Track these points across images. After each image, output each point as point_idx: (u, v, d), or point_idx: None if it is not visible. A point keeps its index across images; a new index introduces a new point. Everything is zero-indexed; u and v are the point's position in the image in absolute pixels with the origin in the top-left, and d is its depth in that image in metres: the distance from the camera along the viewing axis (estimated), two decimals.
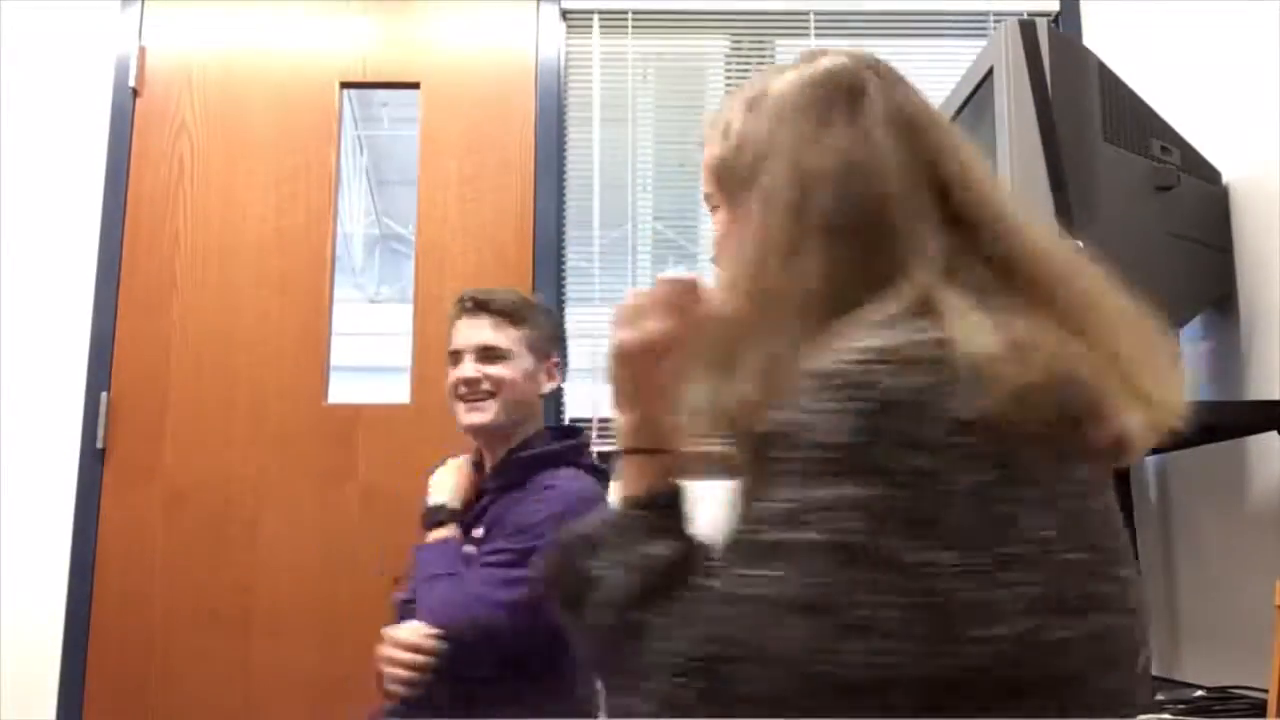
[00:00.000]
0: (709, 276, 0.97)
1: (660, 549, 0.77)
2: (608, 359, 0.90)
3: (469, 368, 1.80)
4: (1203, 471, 2.03)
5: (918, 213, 0.79)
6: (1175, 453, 2.09)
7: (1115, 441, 0.75)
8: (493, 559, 1.68)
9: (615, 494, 0.87)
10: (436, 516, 1.79)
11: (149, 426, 2.54)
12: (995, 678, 0.66)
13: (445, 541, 1.76)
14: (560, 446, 1.83)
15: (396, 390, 2.66)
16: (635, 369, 0.88)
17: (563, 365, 1.93)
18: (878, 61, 0.90)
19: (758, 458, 0.71)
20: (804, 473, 0.68)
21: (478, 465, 1.88)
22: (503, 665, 1.63)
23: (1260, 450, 1.85)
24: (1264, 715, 1.48)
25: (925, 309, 0.73)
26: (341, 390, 2.64)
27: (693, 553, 0.77)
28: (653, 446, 0.85)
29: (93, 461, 2.51)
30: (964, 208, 0.81)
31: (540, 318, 1.89)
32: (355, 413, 2.59)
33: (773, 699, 0.67)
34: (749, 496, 0.72)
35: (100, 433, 2.51)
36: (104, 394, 2.53)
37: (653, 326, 0.88)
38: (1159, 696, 1.67)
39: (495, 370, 1.80)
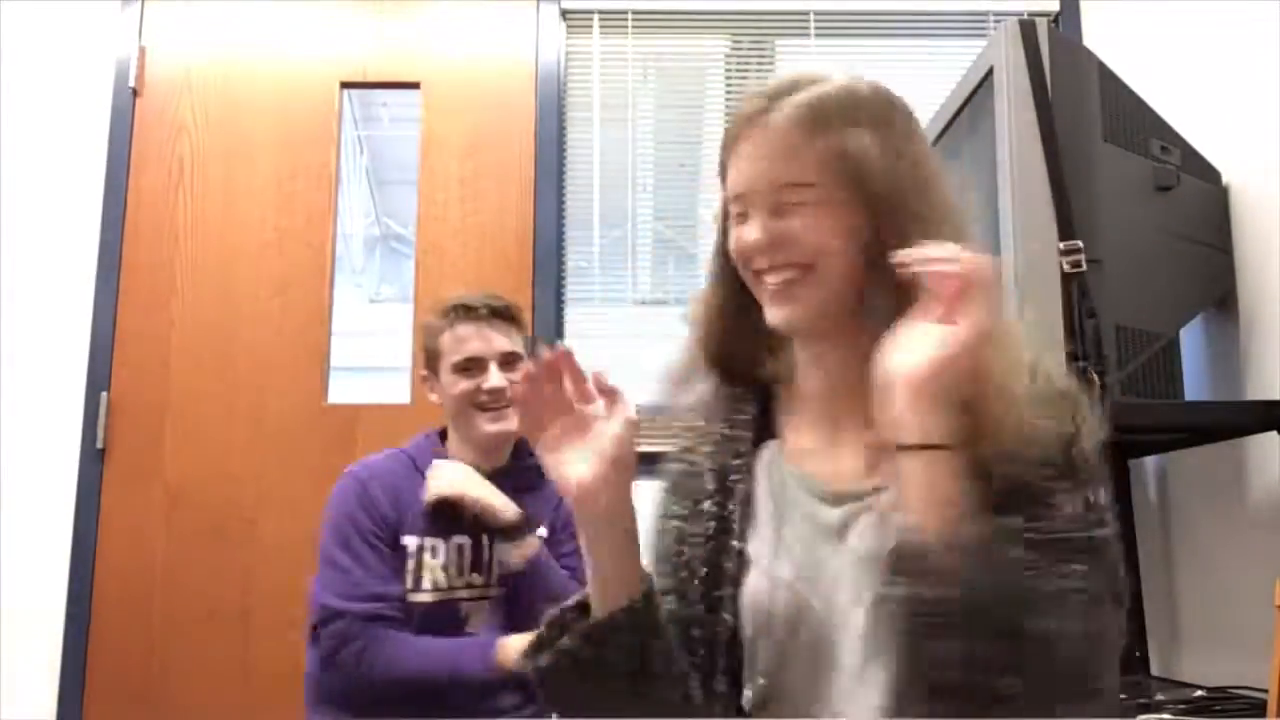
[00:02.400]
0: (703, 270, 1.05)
1: (1018, 552, 0.79)
2: (951, 347, 0.81)
3: (496, 377, 1.78)
4: (1203, 471, 2.03)
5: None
6: (1175, 453, 2.09)
7: None
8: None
9: (917, 490, 0.80)
10: (518, 529, 1.74)
11: (149, 426, 2.54)
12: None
13: (538, 554, 1.75)
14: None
15: (396, 390, 2.66)
16: (973, 361, 0.82)
17: None
18: None
19: (1053, 462, 0.84)
20: (1086, 479, 0.85)
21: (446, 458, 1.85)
22: None
23: (1260, 450, 1.85)
24: (1264, 715, 1.48)
25: None
26: (341, 390, 2.64)
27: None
28: (947, 445, 0.81)
29: (93, 461, 2.51)
30: None
31: (525, 322, 1.91)
32: (355, 413, 2.59)
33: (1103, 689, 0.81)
34: (1021, 494, 0.82)
35: (100, 433, 2.51)
36: (104, 394, 2.53)
37: (984, 317, 0.82)
38: (1159, 696, 1.67)
39: (516, 377, 1.79)
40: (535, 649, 0.92)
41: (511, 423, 1.78)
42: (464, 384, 1.79)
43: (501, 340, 1.81)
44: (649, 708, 0.89)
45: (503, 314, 1.82)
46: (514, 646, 1.62)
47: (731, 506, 0.98)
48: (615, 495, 0.89)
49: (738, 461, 1.00)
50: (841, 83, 0.96)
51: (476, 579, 1.77)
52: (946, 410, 0.80)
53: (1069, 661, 0.77)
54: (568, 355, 0.91)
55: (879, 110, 0.95)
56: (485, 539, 1.78)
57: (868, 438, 0.90)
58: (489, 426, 1.79)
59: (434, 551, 1.76)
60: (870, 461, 0.92)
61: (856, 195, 0.92)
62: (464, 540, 1.77)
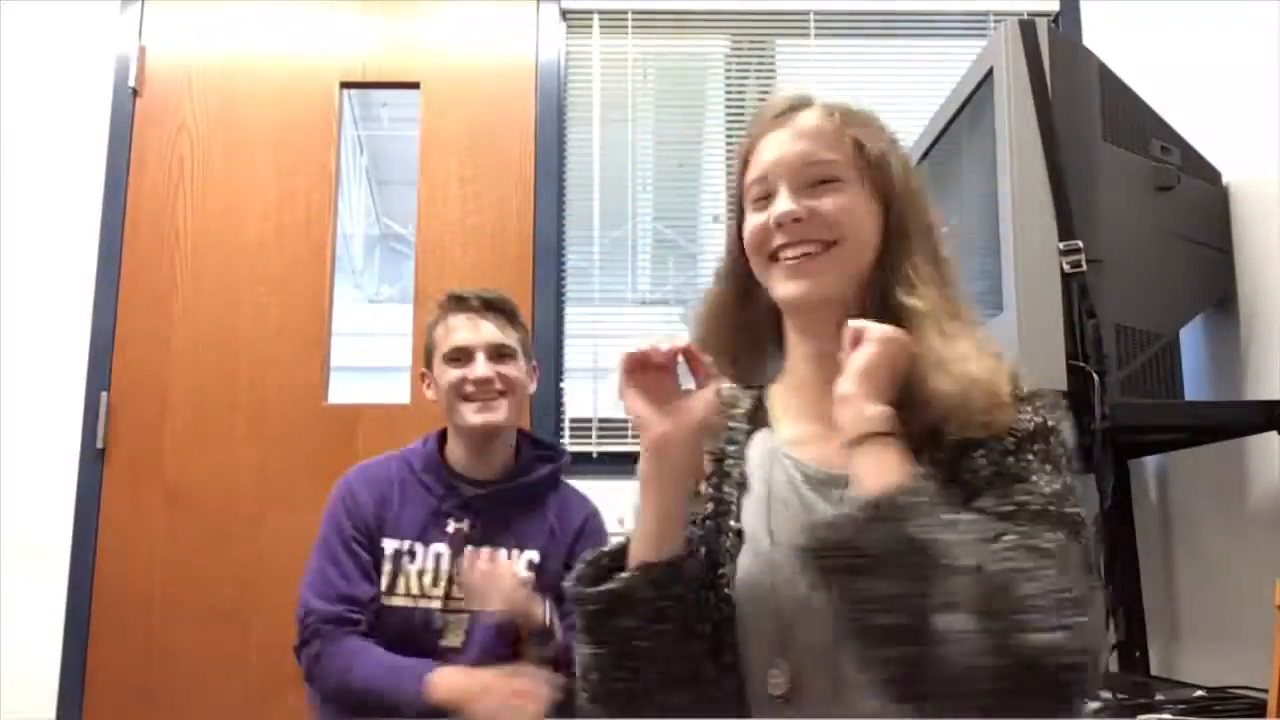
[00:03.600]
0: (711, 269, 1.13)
1: (968, 515, 0.87)
2: (872, 351, 0.93)
3: (482, 366, 1.76)
4: (1203, 471, 2.03)
5: None
6: (1175, 453, 2.09)
7: None
8: None
9: (864, 473, 0.90)
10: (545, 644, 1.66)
11: (149, 426, 2.54)
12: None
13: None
14: (551, 469, 1.84)
15: (396, 390, 2.66)
16: (893, 357, 0.94)
17: (539, 368, 1.94)
18: None
19: (1022, 447, 0.92)
20: (1063, 465, 0.92)
21: (441, 462, 1.82)
22: None
23: (1260, 450, 1.85)
24: (1264, 715, 1.48)
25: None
26: (341, 390, 2.64)
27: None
28: (892, 432, 0.91)
29: (93, 461, 2.51)
30: None
31: (524, 320, 1.89)
32: (355, 413, 2.59)
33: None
34: (1001, 479, 0.90)
35: (100, 433, 2.51)
36: (104, 394, 2.53)
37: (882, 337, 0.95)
38: (1159, 696, 1.67)
39: (506, 369, 1.78)
40: (590, 580, 0.96)
41: (499, 414, 1.76)
42: (452, 374, 1.77)
43: (491, 331, 1.78)
44: (691, 662, 0.95)
45: (495, 306, 1.81)
46: (446, 679, 1.60)
47: (728, 489, 1.03)
48: (687, 451, 0.96)
49: (733, 448, 1.06)
50: (848, 101, 1.07)
51: (456, 591, 1.72)
52: (881, 401, 0.91)
53: (1039, 607, 0.80)
54: (690, 350, 0.98)
55: (884, 127, 1.06)
56: (470, 551, 1.73)
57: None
58: (474, 417, 1.76)
59: (412, 556, 1.74)
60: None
61: (876, 189, 1.01)
62: (443, 550, 1.74)
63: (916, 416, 0.92)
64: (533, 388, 1.88)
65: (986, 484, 0.91)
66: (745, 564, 0.98)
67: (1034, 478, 0.90)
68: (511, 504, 1.78)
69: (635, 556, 0.96)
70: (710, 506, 1.02)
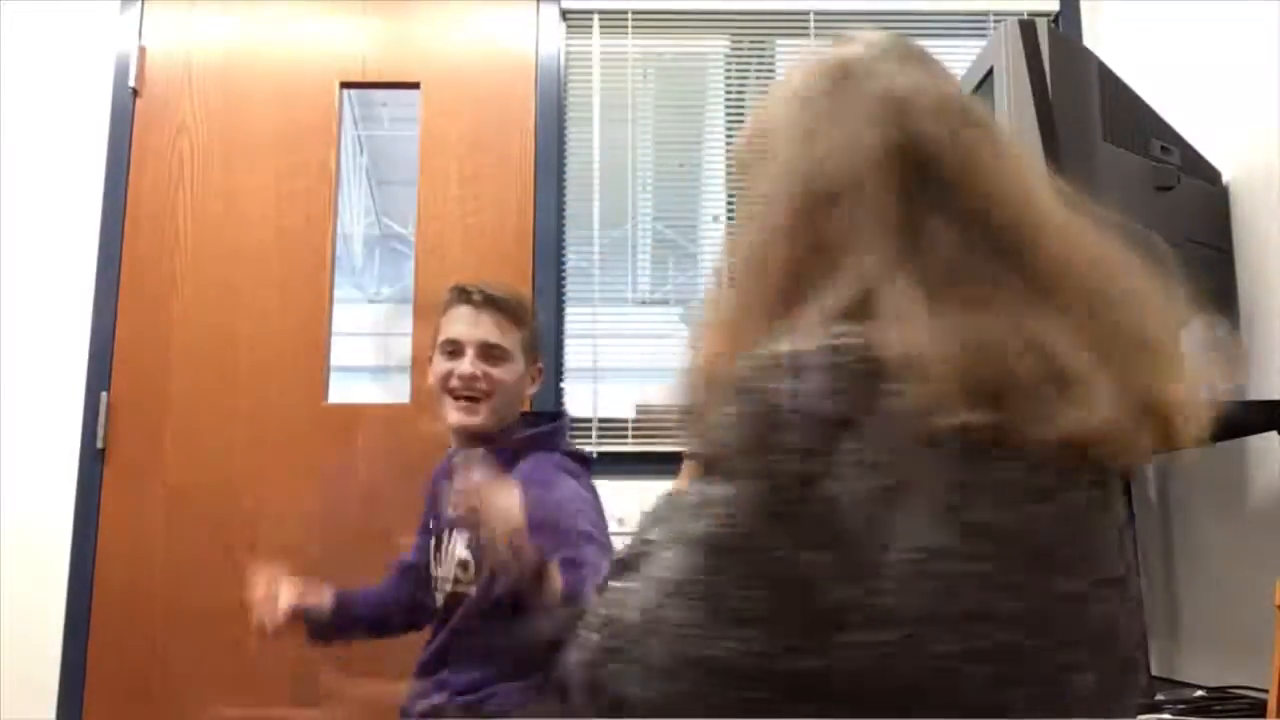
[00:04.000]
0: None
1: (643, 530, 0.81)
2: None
3: (469, 364, 1.74)
4: (1203, 471, 2.03)
5: (875, 200, 0.77)
6: (1175, 453, 2.09)
7: (1072, 439, 0.70)
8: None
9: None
10: None
11: (149, 426, 2.54)
12: (873, 683, 0.66)
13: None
14: (532, 432, 1.78)
15: (396, 390, 2.66)
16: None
17: (544, 368, 1.92)
18: (898, 45, 0.89)
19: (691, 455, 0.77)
20: (706, 470, 0.73)
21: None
22: None
23: (1260, 450, 1.85)
24: (1264, 715, 1.48)
25: (860, 308, 0.73)
26: (341, 390, 2.64)
27: None
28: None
29: (93, 461, 2.51)
30: (957, 195, 0.78)
31: (532, 319, 1.86)
32: (355, 413, 2.59)
33: (658, 670, 0.71)
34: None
35: (100, 433, 2.51)
36: (104, 394, 2.53)
37: None
38: (1159, 696, 1.67)
39: (495, 371, 1.75)
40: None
41: (477, 417, 1.74)
42: (442, 366, 1.77)
43: (487, 329, 1.76)
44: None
45: (496, 303, 1.78)
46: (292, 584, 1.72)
47: None
48: None
49: None
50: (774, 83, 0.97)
51: (435, 572, 1.78)
52: None
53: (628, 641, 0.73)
54: None
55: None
56: (447, 532, 1.76)
57: None
58: (453, 415, 1.75)
59: (438, 539, 1.80)
60: None
61: None
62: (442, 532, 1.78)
63: None
64: (533, 388, 1.86)
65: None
66: None
67: (673, 485, 0.85)
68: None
69: None
70: None
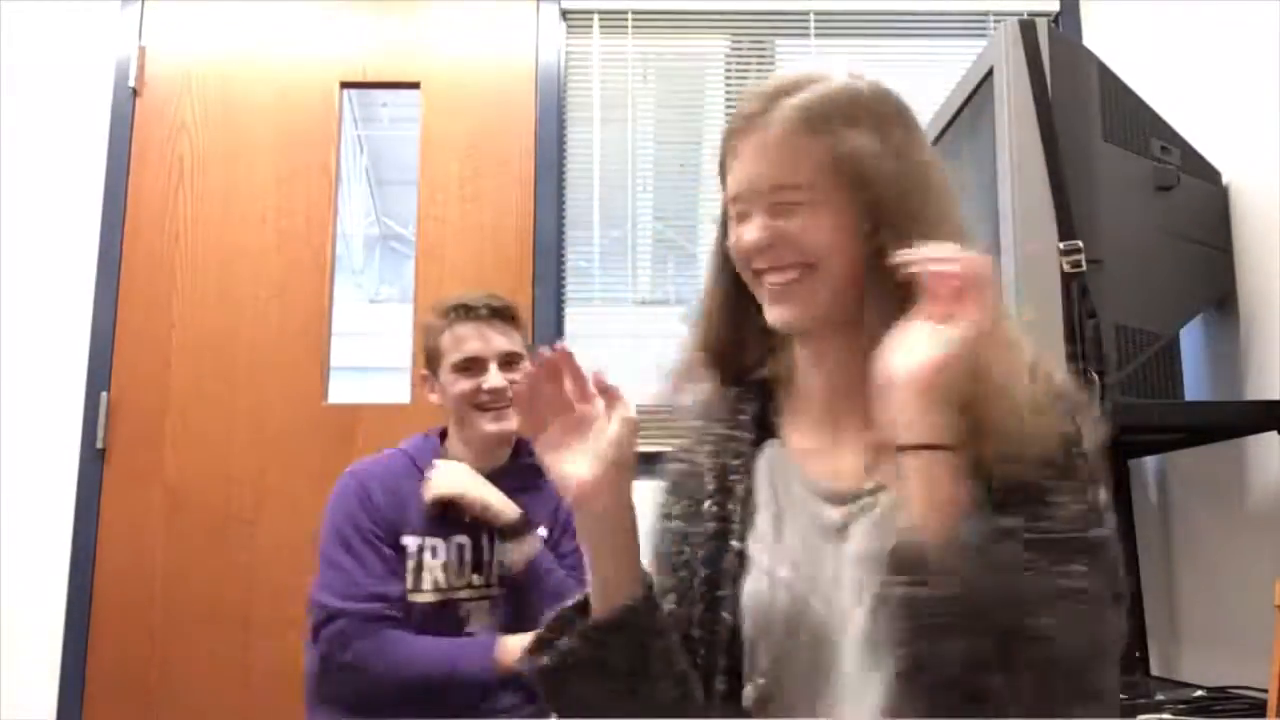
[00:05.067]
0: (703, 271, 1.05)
1: (1017, 551, 0.79)
2: (950, 347, 0.80)
3: (496, 376, 1.78)
4: (1203, 471, 2.03)
5: None
6: (1175, 453, 2.09)
7: None
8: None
9: (918, 490, 0.80)
10: (518, 528, 1.74)
11: (149, 426, 2.54)
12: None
13: (539, 554, 1.75)
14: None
15: (396, 390, 2.66)
16: (974, 358, 0.82)
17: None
18: None
19: (1053, 462, 0.84)
20: (1087, 479, 0.85)
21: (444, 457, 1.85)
22: None
23: (1260, 450, 1.85)
24: (1264, 715, 1.48)
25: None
26: (341, 390, 2.64)
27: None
28: (950, 445, 0.81)
29: (93, 461, 2.51)
30: None
31: (523, 320, 1.91)
32: (355, 413, 2.59)
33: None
34: (1019, 494, 0.81)
35: (100, 433, 2.51)
36: (104, 394, 2.53)
37: (983, 316, 0.82)
38: (1159, 696, 1.67)
39: (517, 376, 1.78)
40: (536, 648, 0.92)
41: (512, 422, 1.78)
42: (464, 384, 1.78)
43: (501, 340, 1.80)
44: (649, 708, 0.89)
45: (502, 314, 1.82)
46: (514, 645, 1.63)
47: (731, 506, 0.97)
48: (614, 496, 0.88)
49: (737, 461, 1.00)
50: (840, 82, 0.95)
51: (476, 579, 1.76)
52: (947, 410, 0.80)
53: (1068, 660, 0.77)
54: (568, 355, 0.90)
55: (878, 109, 0.95)
56: (485, 539, 1.77)
57: (868, 437, 0.89)
58: (489, 426, 1.78)
59: (434, 551, 1.76)
60: (871, 461, 0.91)
61: (855, 195, 0.91)
62: (464, 540, 1.77)
63: (971, 440, 0.82)
64: None
65: (1000, 503, 0.80)
66: (755, 585, 0.94)
67: (1053, 497, 0.82)
68: (515, 487, 1.78)
69: (592, 610, 0.91)
70: (712, 526, 0.97)
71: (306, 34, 2.75)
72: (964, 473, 0.79)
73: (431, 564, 1.75)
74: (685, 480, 1.02)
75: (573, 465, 0.88)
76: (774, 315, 0.96)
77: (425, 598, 1.73)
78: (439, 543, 1.76)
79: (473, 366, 1.79)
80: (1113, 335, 1.71)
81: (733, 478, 0.99)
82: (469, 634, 1.75)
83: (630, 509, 0.91)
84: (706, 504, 0.98)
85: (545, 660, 0.90)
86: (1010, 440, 0.82)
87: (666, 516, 1.02)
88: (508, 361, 1.80)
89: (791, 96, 0.93)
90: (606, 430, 0.88)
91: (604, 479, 0.87)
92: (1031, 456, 0.83)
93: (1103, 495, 0.86)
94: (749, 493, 0.98)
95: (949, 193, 0.95)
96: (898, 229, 0.89)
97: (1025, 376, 0.85)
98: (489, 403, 1.78)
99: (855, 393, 0.91)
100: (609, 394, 0.90)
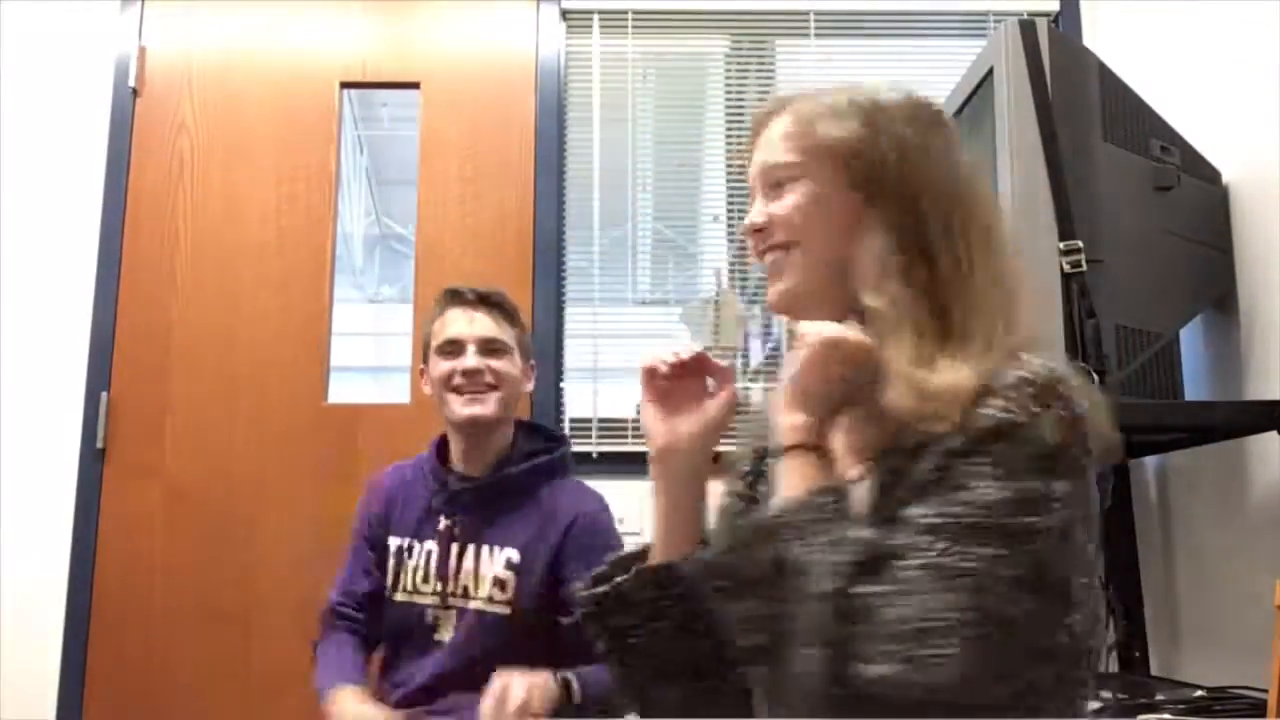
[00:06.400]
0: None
1: (864, 532, 0.84)
2: (801, 357, 0.91)
3: (472, 358, 1.76)
4: (1203, 471, 2.03)
5: None
6: (1175, 453, 2.09)
7: None
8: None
9: (786, 484, 0.90)
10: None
11: (149, 426, 2.54)
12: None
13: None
14: (550, 458, 1.80)
15: (396, 390, 2.66)
16: (830, 367, 0.92)
17: (537, 370, 1.94)
18: None
19: (966, 451, 0.83)
20: (1024, 468, 0.82)
21: (440, 459, 1.83)
22: None
23: (1260, 450, 1.85)
24: (1264, 715, 1.48)
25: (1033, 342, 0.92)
26: (341, 390, 2.64)
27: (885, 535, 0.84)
28: (818, 445, 0.91)
29: (93, 461, 2.51)
30: None
31: (523, 320, 1.88)
32: (355, 413, 2.59)
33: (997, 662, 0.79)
34: (942, 484, 0.83)
35: (100, 433, 2.51)
36: (104, 394, 2.53)
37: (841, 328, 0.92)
38: (1159, 696, 1.67)
39: (498, 364, 1.77)
40: (595, 581, 1.00)
41: (487, 407, 1.75)
42: (443, 365, 1.78)
43: (485, 325, 1.79)
44: (690, 657, 0.97)
45: (489, 301, 1.81)
46: (345, 697, 1.66)
47: (762, 488, 1.04)
48: (700, 453, 1.00)
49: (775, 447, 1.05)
50: (849, 87, 1.01)
51: (439, 587, 1.73)
52: (812, 410, 0.91)
53: (972, 640, 0.77)
54: (705, 357, 1.02)
55: (894, 110, 0.99)
56: (455, 548, 1.74)
57: (849, 435, 0.95)
58: (462, 409, 1.75)
59: (410, 553, 1.77)
60: (851, 453, 0.95)
61: (846, 181, 0.96)
62: (433, 547, 1.75)
63: (879, 424, 0.90)
64: (529, 386, 1.88)
65: (921, 491, 0.83)
66: None
67: (975, 484, 0.81)
68: (497, 498, 1.76)
69: (652, 557, 1.00)
70: (740, 506, 1.05)
71: (306, 34, 2.75)
72: (823, 466, 0.90)
73: (407, 565, 1.76)
74: (734, 462, 1.11)
75: (662, 426, 1.00)
76: (767, 296, 1.03)
77: (400, 598, 1.76)
78: (415, 544, 1.77)
79: (454, 349, 1.78)
80: (1112, 335, 1.71)
81: (768, 461, 1.03)
82: (437, 641, 1.72)
83: (704, 473, 1.01)
84: (740, 484, 1.07)
85: (602, 593, 0.98)
86: (901, 418, 0.87)
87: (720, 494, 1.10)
88: (490, 348, 1.78)
89: (784, 109, 1.01)
90: (715, 401, 1.01)
91: (686, 439, 0.99)
92: (950, 447, 0.84)
93: (1057, 486, 0.82)
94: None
95: (974, 199, 0.97)
96: (888, 223, 0.94)
97: (942, 372, 0.87)
98: (463, 385, 1.76)
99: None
100: (721, 374, 1.02)
